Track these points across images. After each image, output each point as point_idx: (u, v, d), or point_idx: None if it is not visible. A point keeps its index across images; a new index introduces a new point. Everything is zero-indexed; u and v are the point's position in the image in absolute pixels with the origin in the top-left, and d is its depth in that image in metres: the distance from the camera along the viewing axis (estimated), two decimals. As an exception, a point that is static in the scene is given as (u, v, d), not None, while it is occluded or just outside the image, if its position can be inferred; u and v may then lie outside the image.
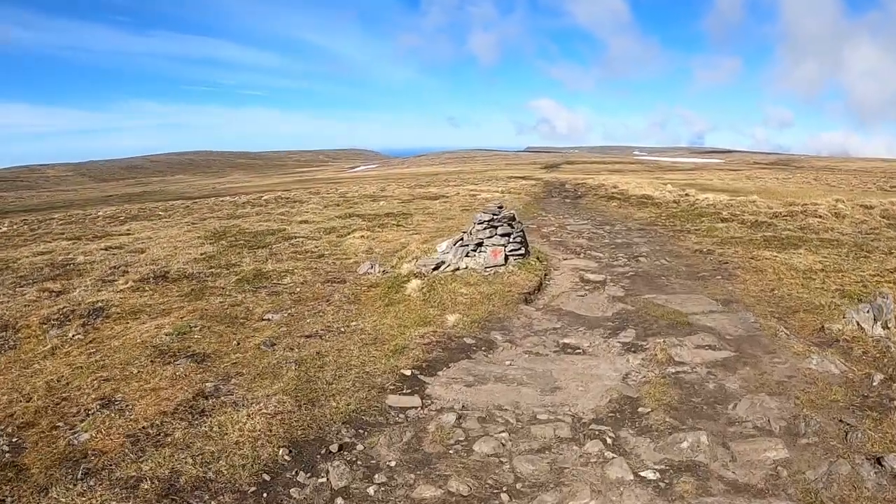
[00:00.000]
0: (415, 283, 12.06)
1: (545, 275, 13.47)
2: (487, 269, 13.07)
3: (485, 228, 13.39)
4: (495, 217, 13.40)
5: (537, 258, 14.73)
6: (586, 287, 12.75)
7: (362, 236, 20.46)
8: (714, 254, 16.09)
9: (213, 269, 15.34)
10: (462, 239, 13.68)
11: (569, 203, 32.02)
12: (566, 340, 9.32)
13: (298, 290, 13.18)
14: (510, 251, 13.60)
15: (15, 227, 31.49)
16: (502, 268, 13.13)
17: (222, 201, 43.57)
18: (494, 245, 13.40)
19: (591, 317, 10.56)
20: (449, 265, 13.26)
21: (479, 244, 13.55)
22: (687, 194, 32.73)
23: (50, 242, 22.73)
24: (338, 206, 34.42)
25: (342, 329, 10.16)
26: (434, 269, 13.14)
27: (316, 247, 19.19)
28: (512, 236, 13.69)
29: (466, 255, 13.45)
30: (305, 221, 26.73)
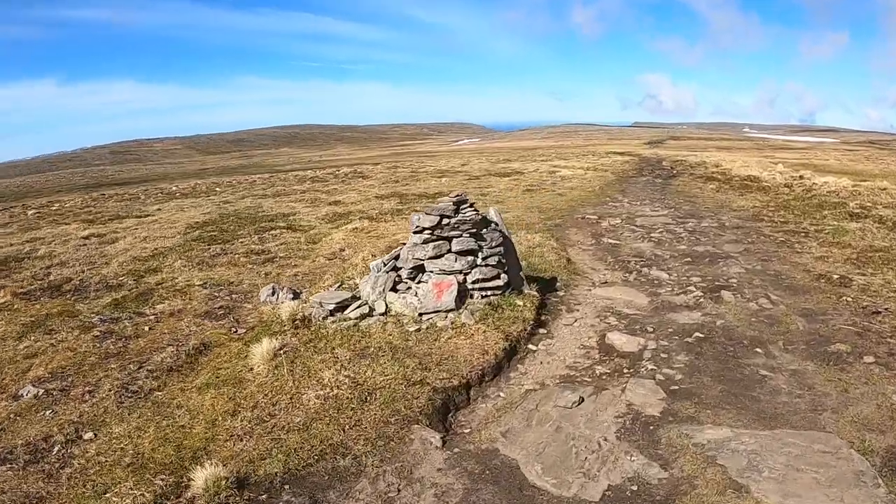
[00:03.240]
0: (266, 348, 6.62)
1: (530, 332, 7.34)
2: (425, 317, 7.24)
3: (426, 242, 7.51)
4: (446, 220, 7.45)
5: (541, 289, 8.57)
6: (596, 371, 6.46)
7: (354, 229, 15.43)
8: (853, 286, 8.85)
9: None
10: (397, 258, 7.91)
11: (657, 184, 24.36)
12: None
13: (146, 328, 8.40)
14: (476, 283, 7.61)
15: (68, 203, 30.24)
16: (452, 314, 7.20)
17: (295, 175, 40.61)
18: (442, 273, 7.49)
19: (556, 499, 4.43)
20: (363, 304, 7.61)
21: (419, 269, 7.71)
22: (801, 177, 23.88)
23: (53, 228, 20.15)
24: (396, 182, 29.82)
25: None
26: (336, 309, 7.56)
27: (285, 243, 14.43)
28: (481, 255, 7.67)
29: (394, 289, 7.70)
30: (335, 202, 22.49)
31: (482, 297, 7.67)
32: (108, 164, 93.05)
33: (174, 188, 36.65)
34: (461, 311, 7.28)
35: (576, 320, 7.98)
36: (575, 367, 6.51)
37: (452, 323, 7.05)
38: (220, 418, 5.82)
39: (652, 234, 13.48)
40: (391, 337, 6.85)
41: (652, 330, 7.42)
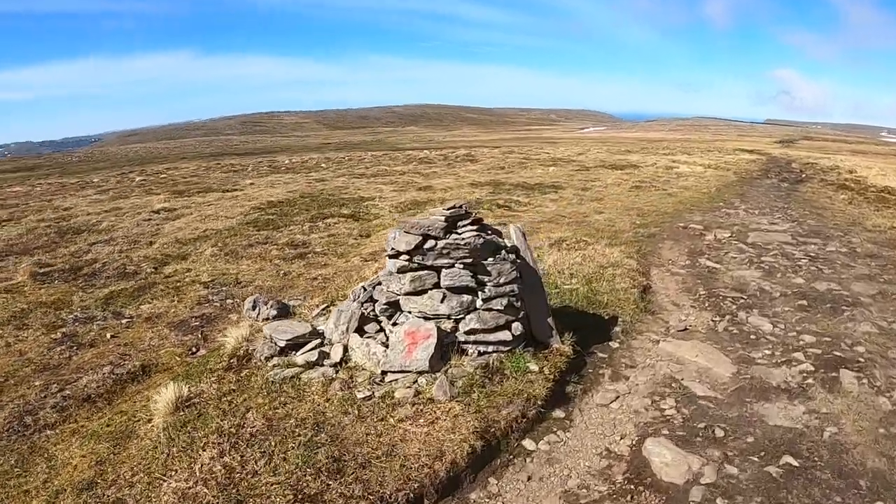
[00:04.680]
0: (168, 398, 4.96)
1: (535, 416, 4.99)
2: (388, 378, 5.19)
3: (402, 271, 5.41)
4: (431, 243, 5.29)
5: (584, 338, 6.13)
6: None
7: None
8: None
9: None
10: (379, 284, 5.92)
11: (782, 189, 19.92)
12: None
13: (108, 335, 7.29)
14: (472, 333, 5.40)
15: (178, 172, 31.45)
16: (423, 380, 5.09)
17: (406, 155, 39.73)
18: (422, 317, 5.38)
19: None
20: (321, 344, 5.73)
21: (394, 307, 5.65)
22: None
23: (139, 199, 20.64)
24: (501, 169, 27.90)
25: None
26: (290, 346, 5.76)
27: (333, 235, 13.12)
28: (482, 295, 5.43)
29: (361, 329, 5.71)
30: (425, 188, 21.09)
31: (479, 353, 5.45)
32: (237, 134, 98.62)
33: (285, 161, 37.22)
34: (437, 374, 5.12)
35: (616, 398, 5.50)
36: (575, 501, 4.14)
37: (417, 395, 4.93)
38: (67, 491, 4.30)
39: (763, 259, 10.22)
40: (327, 405, 4.89)
41: (721, 436, 4.76)
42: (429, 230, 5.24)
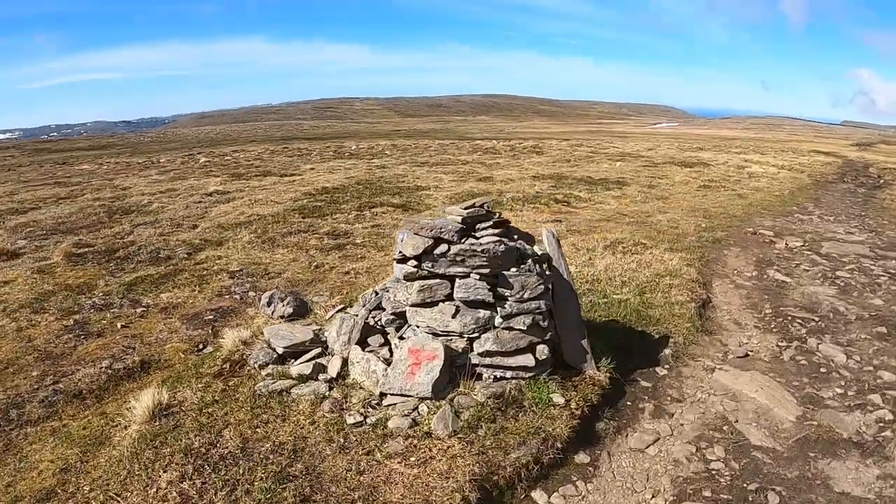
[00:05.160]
0: (146, 404, 4.51)
1: (551, 462, 4.19)
2: (385, 401, 4.53)
3: (409, 278, 4.71)
4: (443, 248, 4.56)
5: (626, 362, 5.26)
6: None
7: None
8: None
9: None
10: (378, 294, 5.26)
11: (859, 196, 17.87)
12: None
13: (118, 325, 7.14)
14: (487, 356, 4.65)
15: (243, 154, 31.97)
16: (424, 407, 4.39)
17: (473, 145, 39.06)
18: (431, 333, 4.67)
19: None
20: (322, 354, 5.14)
21: (401, 318, 4.97)
22: None
23: (196, 180, 20.94)
24: (566, 162, 27.06)
25: None
26: (288, 354, 5.21)
27: (377, 226, 12.74)
28: (503, 311, 4.66)
29: (364, 341, 5.06)
30: (485, 179, 20.36)
31: (494, 379, 4.69)
32: (309, 119, 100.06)
33: (352, 147, 37.36)
34: (441, 403, 4.41)
35: (655, 441, 4.62)
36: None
37: (414, 425, 4.23)
38: (26, 500, 3.97)
39: (838, 273, 8.91)
40: (311, 429, 4.28)
41: (780, 506, 3.84)
42: (441, 232, 4.51)
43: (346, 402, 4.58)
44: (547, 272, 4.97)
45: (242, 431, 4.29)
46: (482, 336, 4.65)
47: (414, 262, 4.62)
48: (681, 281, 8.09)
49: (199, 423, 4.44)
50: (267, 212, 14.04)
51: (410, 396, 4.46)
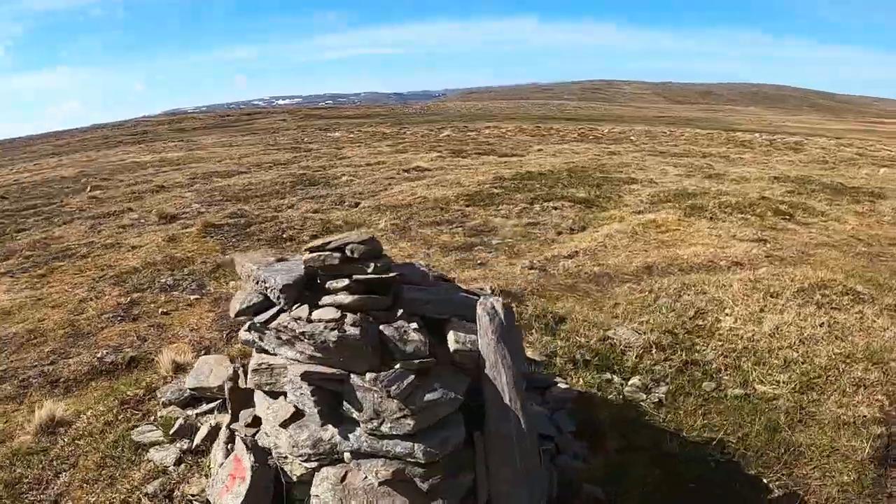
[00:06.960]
0: (42, 415, 4.24)
1: None
2: None
3: (256, 350, 3.22)
4: (267, 313, 2.96)
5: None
6: None
7: (650, 223, 10.97)
8: None
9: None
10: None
11: None
12: None
13: (159, 311, 7.42)
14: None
15: (496, 130, 31.94)
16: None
17: (731, 136, 34.35)
18: (248, 448, 3.17)
19: None
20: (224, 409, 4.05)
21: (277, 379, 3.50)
22: None
23: (414, 154, 21.56)
24: (823, 163, 22.45)
25: None
26: (198, 399, 4.29)
27: (537, 223, 11.23)
28: (348, 442, 2.92)
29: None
30: (714, 176, 17.27)
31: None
32: (575, 99, 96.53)
33: (605, 131, 35.26)
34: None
35: None
36: None
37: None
38: None
39: None
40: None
41: None
42: (266, 288, 2.93)
43: (177, 489, 3.42)
44: (458, 386, 2.94)
45: (74, 482, 3.60)
46: (321, 471, 2.94)
47: (246, 326, 3.14)
48: (880, 376, 4.82)
49: (53, 457, 4.02)
50: (438, 195, 13.23)
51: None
